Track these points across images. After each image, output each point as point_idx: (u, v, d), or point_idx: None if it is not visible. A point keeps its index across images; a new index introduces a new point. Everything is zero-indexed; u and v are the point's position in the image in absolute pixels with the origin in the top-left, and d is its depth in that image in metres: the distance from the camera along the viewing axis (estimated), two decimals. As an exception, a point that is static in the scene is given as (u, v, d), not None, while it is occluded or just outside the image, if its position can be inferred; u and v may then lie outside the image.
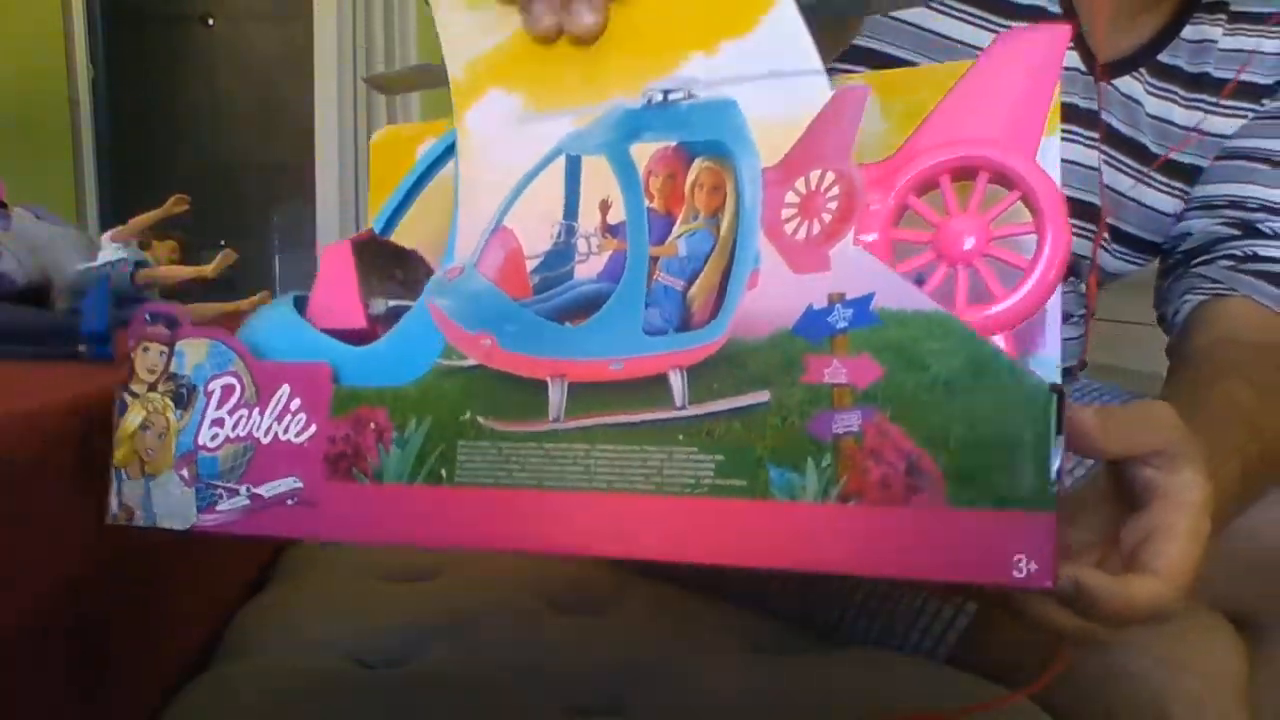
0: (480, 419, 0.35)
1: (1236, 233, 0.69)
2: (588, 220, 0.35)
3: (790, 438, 0.30)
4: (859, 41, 0.64)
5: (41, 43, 2.40)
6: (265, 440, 0.39)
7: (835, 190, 0.30)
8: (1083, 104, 0.66)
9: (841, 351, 0.30)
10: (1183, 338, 0.71)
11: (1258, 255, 0.68)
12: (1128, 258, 0.73)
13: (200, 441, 0.40)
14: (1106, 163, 0.67)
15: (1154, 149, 0.69)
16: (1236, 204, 0.70)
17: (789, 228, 0.31)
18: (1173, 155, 0.68)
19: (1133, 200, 0.70)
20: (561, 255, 0.35)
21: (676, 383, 0.32)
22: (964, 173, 0.33)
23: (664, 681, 0.54)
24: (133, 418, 0.41)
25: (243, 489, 0.39)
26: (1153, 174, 0.69)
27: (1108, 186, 0.68)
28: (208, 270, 0.92)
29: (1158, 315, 0.77)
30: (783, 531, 0.30)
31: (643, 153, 0.34)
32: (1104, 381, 0.81)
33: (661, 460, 0.32)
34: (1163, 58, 0.68)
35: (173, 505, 0.40)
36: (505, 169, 0.36)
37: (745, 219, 0.32)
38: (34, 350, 0.59)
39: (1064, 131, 0.64)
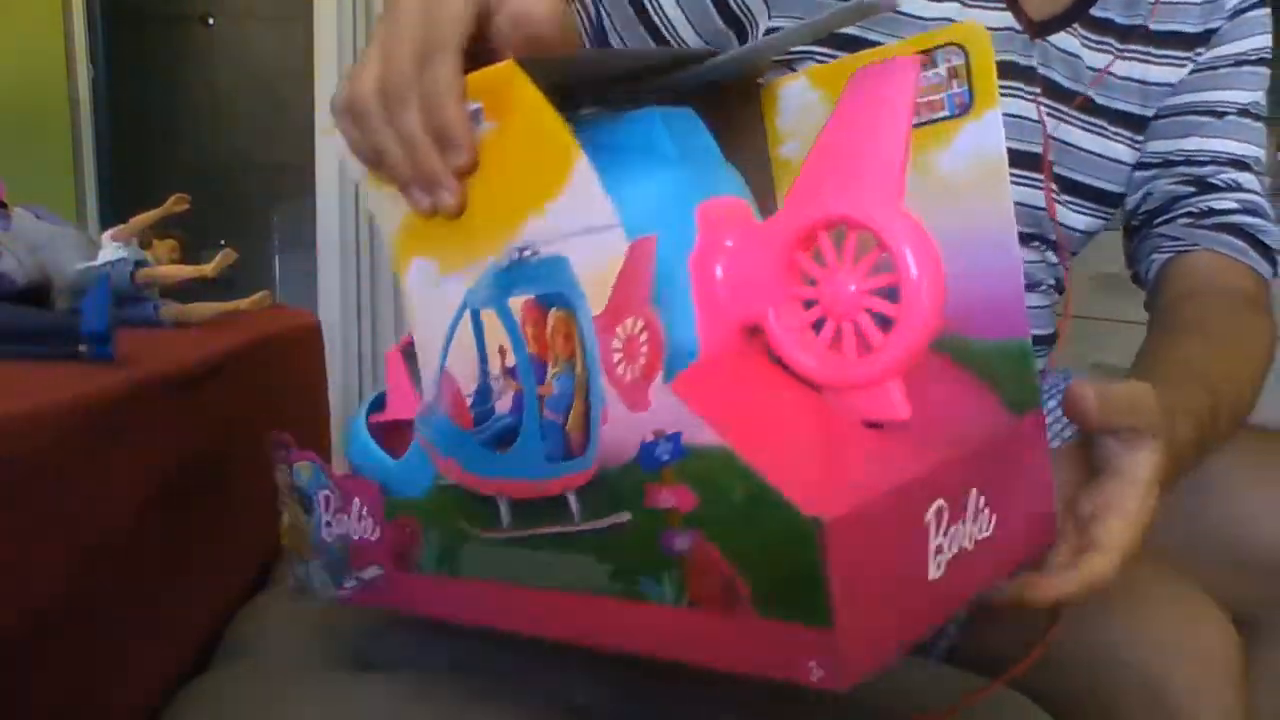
0: (466, 526, 0.42)
1: (1192, 190, 0.74)
2: (494, 363, 0.40)
3: (649, 553, 0.35)
4: (847, 30, 0.65)
5: (41, 43, 2.40)
6: (356, 538, 0.48)
7: (645, 335, 0.32)
8: (1021, 61, 0.68)
9: (669, 481, 0.33)
10: (1154, 295, 0.76)
11: (1213, 210, 0.73)
12: (1082, 208, 0.75)
13: (323, 537, 0.51)
14: (1052, 115, 0.70)
15: (1100, 100, 0.72)
16: (1189, 159, 0.74)
17: (619, 370, 0.33)
18: (1091, 92, 0.71)
19: (1074, 146, 0.72)
20: (485, 394, 0.41)
21: (573, 502, 0.37)
22: (836, 226, 0.35)
23: (663, 681, 0.54)
24: (286, 518, 0.53)
25: (353, 572, 0.50)
26: (1074, 114, 0.72)
27: (1052, 137, 0.70)
28: (208, 270, 0.92)
29: (1130, 274, 0.82)
30: (654, 629, 0.35)
31: (517, 304, 0.38)
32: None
33: (571, 565, 0.38)
34: (1094, 12, 0.71)
35: (322, 583, 0.52)
36: (436, 324, 0.41)
37: (590, 362, 0.34)
38: (34, 350, 0.59)
39: (1004, 88, 0.67)
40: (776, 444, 0.33)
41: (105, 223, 2.37)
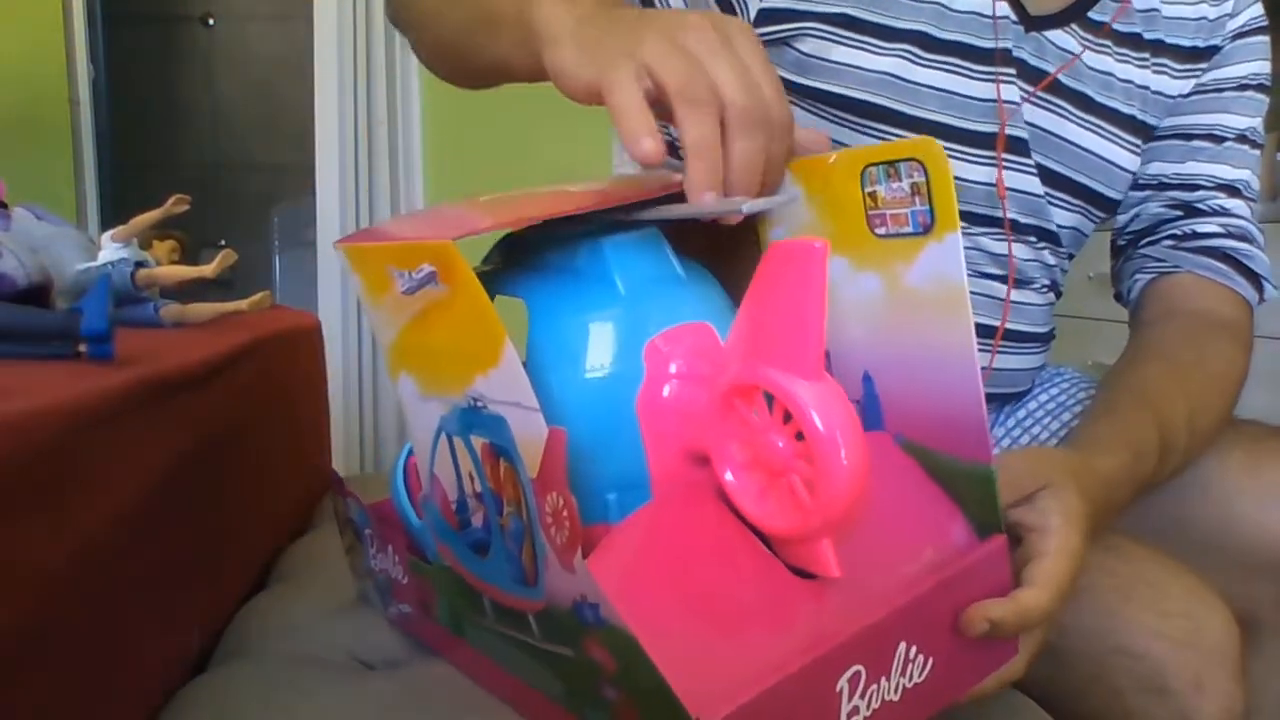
0: (463, 606, 0.45)
1: (1178, 214, 0.76)
2: (466, 485, 0.41)
3: (589, 690, 0.37)
4: (845, 9, 0.65)
5: (41, 43, 2.40)
6: (393, 576, 0.52)
7: (566, 513, 0.33)
8: (1015, 51, 0.70)
9: (596, 639, 0.34)
10: (1134, 314, 0.78)
11: (1196, 233, 0.75)
12: (1070, 205, 0.75)
13: (371, 566, 0.55)
14: (1048, 109, 0.71)
15: (1098, 99, 0.73)
16: (1182, 184, 0.76)
17: (552, 532, 0.34)
18: (1061, 78, 0.71)
19: (1071, 143, 0.73)
20: (463, 506, 0.42)
21: (533, 621, 0.39)
22: (754, 392, 0.37)
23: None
24: (345, 542, 0.60)
25: (394, 603, 0.55)
26: (1074, 110, 0.72)
27: (1050, 132, 0.71)
28: (208, 270, 0.92)
29: (1114, 293, 0.83)
30: None
31: (478, 443, 0.39)
32: (1095, 377, 0.82)
33: (538, 671, 0.41)
34: (1092, 14, 0.72)
35: (378, 600, 0.58)
36: (422, 433, 0.43)
37: (531, 517, 0.35)
38: (34, 350, 0.59)
39: (996, 74, 0.69)
40: (681, 625, 0.35)
41: (105, 223, 2.37)
